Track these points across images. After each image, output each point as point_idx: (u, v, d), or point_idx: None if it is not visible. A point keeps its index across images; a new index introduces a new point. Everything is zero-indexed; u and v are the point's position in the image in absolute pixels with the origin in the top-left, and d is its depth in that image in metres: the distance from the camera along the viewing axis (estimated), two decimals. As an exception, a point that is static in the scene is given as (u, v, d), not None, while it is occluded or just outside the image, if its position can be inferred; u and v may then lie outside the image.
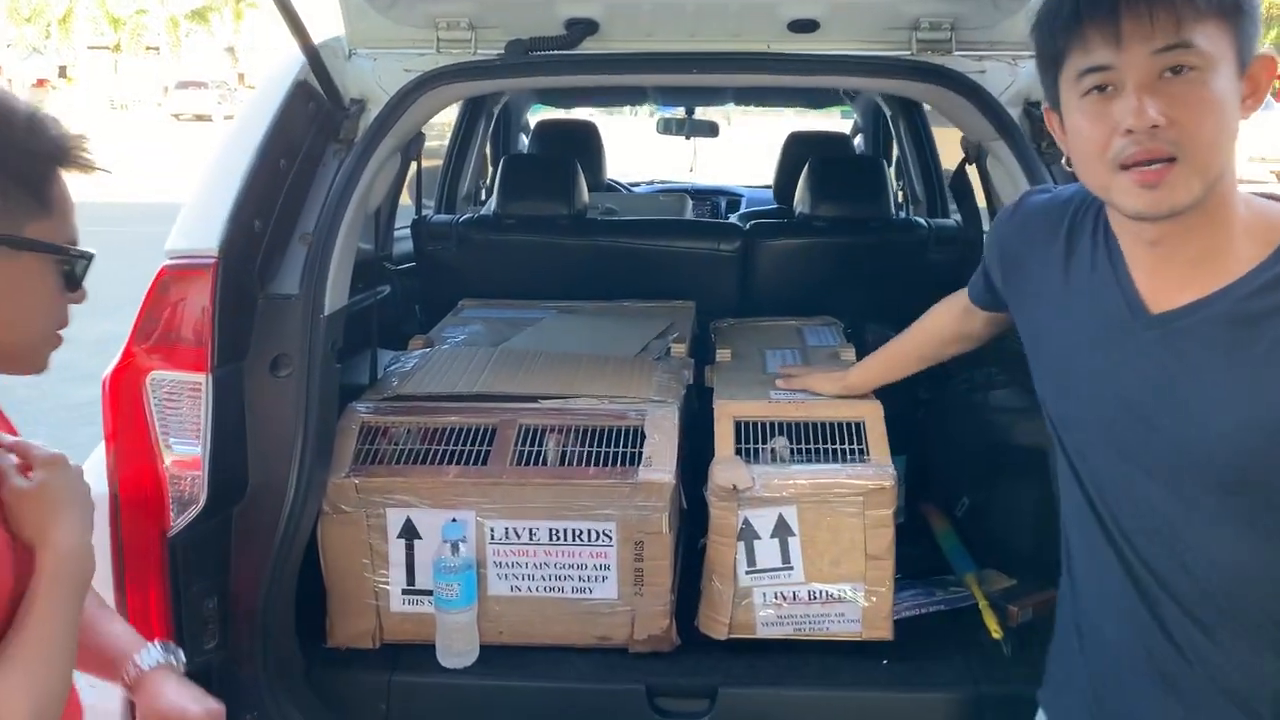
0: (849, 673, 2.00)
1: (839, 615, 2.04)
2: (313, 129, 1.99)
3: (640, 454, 2.02)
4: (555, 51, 2.03)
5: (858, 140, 4.72)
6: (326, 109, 2.01)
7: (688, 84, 2.06)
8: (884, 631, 2.04)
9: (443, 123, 3.91)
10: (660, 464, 1.99)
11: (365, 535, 2.03)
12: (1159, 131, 1.12)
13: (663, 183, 5.49)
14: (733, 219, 4.24)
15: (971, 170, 3.09)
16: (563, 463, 2.04)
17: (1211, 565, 1.24)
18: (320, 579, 2.05)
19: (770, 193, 5.06)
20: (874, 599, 2.03)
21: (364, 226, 2.41)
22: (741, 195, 5.14)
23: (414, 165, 3.10)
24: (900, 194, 4.09)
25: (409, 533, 2.03)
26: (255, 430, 1.84)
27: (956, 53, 2.01)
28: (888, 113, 4.07)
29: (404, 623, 2.06)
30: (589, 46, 2.06)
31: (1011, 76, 2.00)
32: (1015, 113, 1.98)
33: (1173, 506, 1.25)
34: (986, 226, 3.05)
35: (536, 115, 4.95)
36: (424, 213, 3.20)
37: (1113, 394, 1.28)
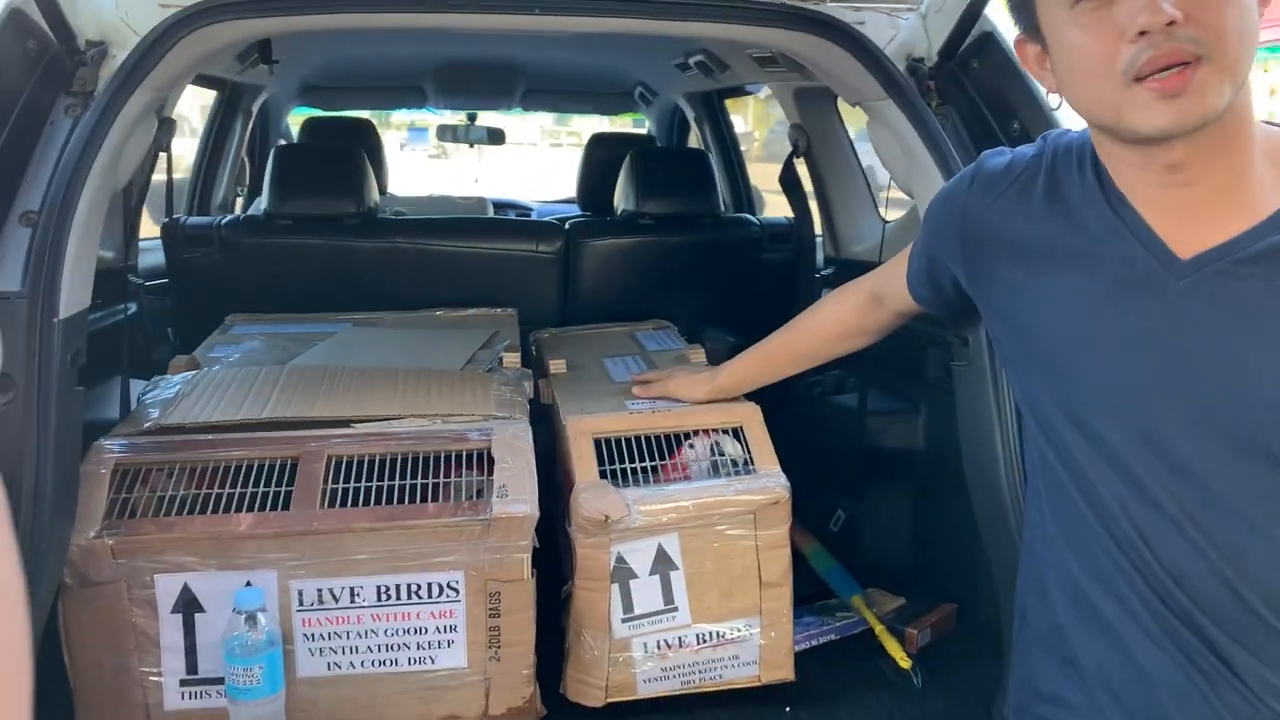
0: (752, 727, 1.69)
1: (733, 659, 1.73)
2: (35, 76, 1.49)
3: (491, 483, 1.63)
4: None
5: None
6: (54, 51, 1.51)
7: (526, 27, 1.70)
8: (785, 672, 1.75)
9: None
10: (518, 493, 1.61)
11: (126, 613, 1.53)
12: (1176, 29, 0.90)
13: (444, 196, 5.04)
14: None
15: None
16: (391, 500, 1.61)
17: (1259, 566, 1.01)
18: (64, 675, 1.53)
19: (559, 207, 4.76)
20: (773, 634, 1.73)
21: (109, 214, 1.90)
22: (531, 209, 4.79)
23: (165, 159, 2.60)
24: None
25: (188, 605, 1.55)
26: (-39, 481, 1.32)
27: (831, 2, 1.76)
28: (690, 114, 3.85)
29: (184, 724, 1.58)
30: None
31: (893, 29, 1.77)
32: (900, 68, 1.75)
33: (1215, 494, 1.01)
34: (817, 223, 2.87)
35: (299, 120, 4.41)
36: (175, 215, 2.65)
37: (1141, 361, 1.03)
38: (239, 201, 3.67)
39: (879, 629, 1.93)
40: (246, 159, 3.70)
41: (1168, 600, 1.06)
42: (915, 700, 1.78)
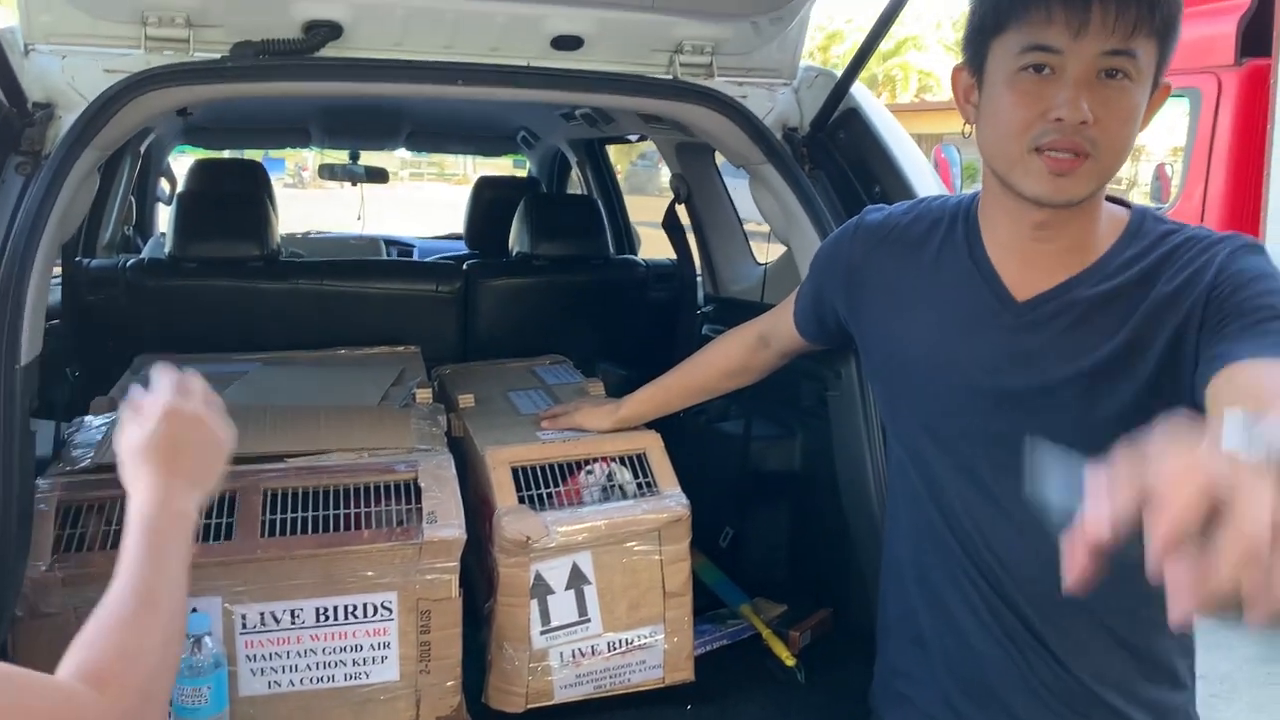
0: (658, 725, 1.87)
1: (640, 663, 1.92)
2: (-13, 137, 1.59)
3: (420, 510, 1.78)
4: (292, 55, 1.77)
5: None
6: (4, 113, 1.61)
7: (447, 95, 1.88)
8: (686, 673, 1.94)
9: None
10: (447, 519, 1.76)
11: (75, 642, 1.62)
12: (1083, 128, 1.13)
13: (324, 233, 5.11)
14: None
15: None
16: (326, 529, 1.75)
17: None
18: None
19: (442, 244, 4.90)
20: (675, 639, 1.93)
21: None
22: (413, 245, 4.91)
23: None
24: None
25: (135, 632, 1.64)
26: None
27: (717, 78, 1.99)
28: (573, 158, 4.05)
29: (129, 746, 1.66)
30: (329, 52, 1.82)
31: (771, 102, 2.02)
32: (778, 137, 2.00)
33: None
34: (697, 264, 3.11)
35: (179, 160, 4.44)
36: (79, 258, 2.71)
37: (984, 381, 1.29)
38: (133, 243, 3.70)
39: (766, 633, 2.14)
40: (134, 199, 3.72)
41: (995, 584, 1.31)
42: (800, 694, 2.00)
